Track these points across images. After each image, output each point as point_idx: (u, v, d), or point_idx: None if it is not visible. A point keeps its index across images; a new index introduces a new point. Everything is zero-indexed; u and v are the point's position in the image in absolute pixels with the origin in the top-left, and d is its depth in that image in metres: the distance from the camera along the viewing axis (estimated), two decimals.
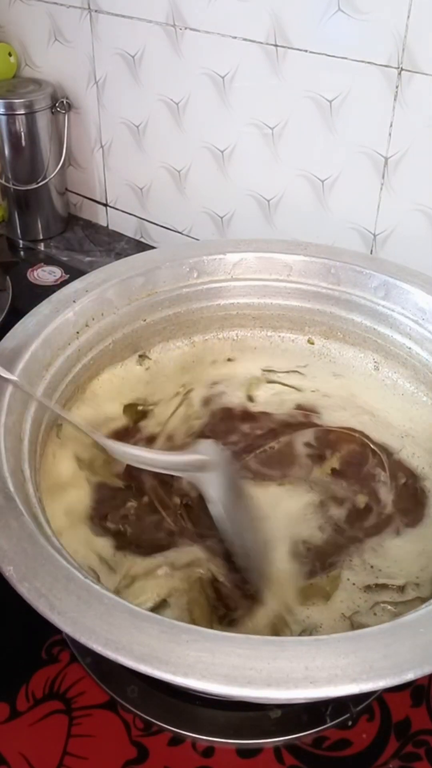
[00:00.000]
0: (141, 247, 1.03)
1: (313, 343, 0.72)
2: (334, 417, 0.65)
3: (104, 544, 0.53)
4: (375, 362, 0.69)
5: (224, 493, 0.54)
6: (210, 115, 0.85)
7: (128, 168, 0.99)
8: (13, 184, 1.01)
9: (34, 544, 0.42)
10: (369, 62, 0.70)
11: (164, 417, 0.64)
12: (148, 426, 0.63)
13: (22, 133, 0.97)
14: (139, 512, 0.56)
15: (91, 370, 0.64)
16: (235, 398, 0.67)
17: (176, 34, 0.83)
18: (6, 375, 0.52)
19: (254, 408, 0.66)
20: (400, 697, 0.52)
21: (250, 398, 0.67)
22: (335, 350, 0.71)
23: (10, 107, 0.95)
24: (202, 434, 0.62)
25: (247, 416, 0.65)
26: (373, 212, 0.78)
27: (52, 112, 0.99)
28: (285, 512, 0.56)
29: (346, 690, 0.35)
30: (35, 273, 0.97)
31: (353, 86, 0.72)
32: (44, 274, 0.97)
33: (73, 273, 0.96)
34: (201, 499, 0.56)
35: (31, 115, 0.96)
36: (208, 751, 0.49)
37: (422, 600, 0.50)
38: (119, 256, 1.01)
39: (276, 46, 0.76)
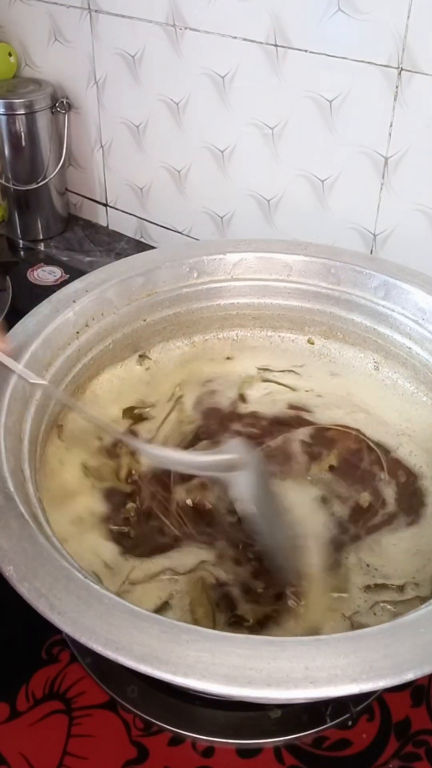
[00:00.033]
0: (141, 247, 1.03)
1: (313, 343, 0.72)
2: (326, 415, 0.65)
3: (113, 549, 0.53)
4: (375, 362, 0.69)
5: (254, 492, 0.54)
6: (210, 115, 0.85)
7: (128, 168, 0.99)
8: (13, 184, 1.01)
9: (34, 544, 0.42)
10: (369, 62, 0.70)
11: (157, 423, 0.64)
12: (142, 432, 0.63)
13: (22, 133, 0.97)
14: (144, 516, 0.56)
15: (91, 370, 0.64)
16: (226, 397, 0.66)
17: (176, 34, 0.83)
18: (36, 380, 0.54)
19: (246, 407, 0.66)
20: (400, 697, 0.52)
21: (242, 397, 0.67)
22: (335, 350, 0.71)
23: (10, 107, 0.95)
24: (196, 437, 0.62)
25: (240, 415, 0.65)
26: (373, 212, 0.78)
27: (52, 112, 0.99)
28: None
29: (346, 690, 0.35)
30: (35, 273, 0.97)
31: (353, 86, 0.72)
32: (44, 274, 0.97)
33: (73, 273, 0.95)
34: (218, 502, 0.56)
35: (31, 115, 0.96)
36: (208, 751, 0.49)
37: (422, 599, 0.50)
38: (119, 256, 1.01)
39: (276, 46, 0.76)
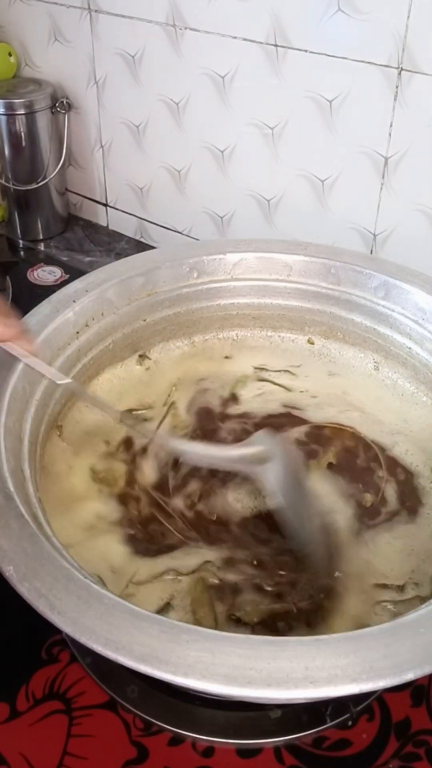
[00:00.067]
0: (141, 247, 1.03)
1: (313, 343, 0.72)
2: (319, 414, 0.64)
3: (124, 551, 0.53)
4: (375, 362, 0.69)
5: (284, 483, 0.54)
6: (210, 115, 0.85)
7: (128, 168, 0.99)
8: (13, 184, 1.01)
9: (34, 544, 0.42)
10: (369, 62, 0.70)
11: (153, 427, 0.63)
12: (138, 437, 0.62)
13: (22, 133, 0.97)
14: (148, 520, 0.56)
15: (91, 370, 0.64)
16: (218, 396, 0.66)
17: (176, 34, 0.83)
18: (63, 381, 0.55)
19: (238, 407, 0.66)
20: (400, 697, 0.52)
21: (234, 396, 0.67)
22: (335, 350, 0.71)
23: (10, 107, 0.95)
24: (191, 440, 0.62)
25: (231, 415, 0.65)
26: (373, 212, 0.78)
27: (52, 112, 0.99)
28: None
29: (346, 690, 0.35)
30: (35, 273, 0.97)
31: (353, 86, 0.72)
32: (44, 274, 0.97)
33: (73, 273, 0.96)
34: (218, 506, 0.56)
35: (31, 115, 0.96)
36: (208, 751, 0.49)
37: (422, 599, 0.50)
38: (119, 256, 1.01)
39: (276, 46, 0.76)
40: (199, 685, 0.35)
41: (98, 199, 1.07)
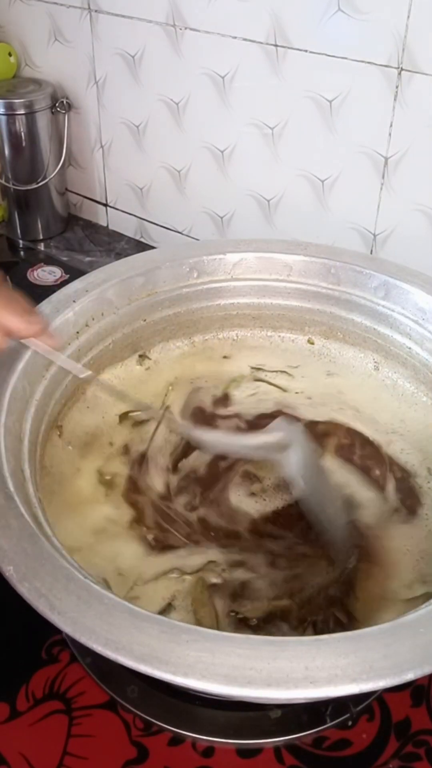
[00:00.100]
0: (141, 247, 1.03)
1: (313, 343, 0.72)
2: (313, 412, 0.64)
3: (134, 554, 0.53)
4: (375, 362, 0.69)
5: (304, 469, 0.54)
6: (210, 115, 0.85)
7: (128, 168, 0.99)
8: (13, 184, 1.01)
9: (34, 544, 0.42)
10: (369, 62, 0.70)
11: (150, 430, 0.63)
12: (136, 441, 0.62)
13: (22, 133, 0.97)
14: (153, 521, 0.56)
15: (91, 370, 0.64)
16: (211, 396, 0.66)
17: (176, 34, 0.83)
18: (85, 375, 0.57)
19: (231, 407, 0.65)
20: (400, 697, 0.52)
21: (227, 396, 0.66)
22: (335, 350, 0.71)
23: (10, 107, 0.95)
24: (187, 445, 0.62)
25: (224, 415, 0.64)
26: (373, 212, 0.78)
27: (52, 112, 0.99)
28: None
29: (346, 690, 0.35)
30: (35, 273, 0.97)
31: (353, 86, 0.72)
32: (44, 274, 0.97)
33: (73, 273, 0.95)
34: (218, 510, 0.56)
35: (31, 115, 0.96)
36: (208, 751, 0.49)
37: (429, 596, 0.49)
38: (119, 256, 1.01)
39: (276, 46, 0.76)
40: (199, 685, 0.35)
41: (98, 199, 1.07)
